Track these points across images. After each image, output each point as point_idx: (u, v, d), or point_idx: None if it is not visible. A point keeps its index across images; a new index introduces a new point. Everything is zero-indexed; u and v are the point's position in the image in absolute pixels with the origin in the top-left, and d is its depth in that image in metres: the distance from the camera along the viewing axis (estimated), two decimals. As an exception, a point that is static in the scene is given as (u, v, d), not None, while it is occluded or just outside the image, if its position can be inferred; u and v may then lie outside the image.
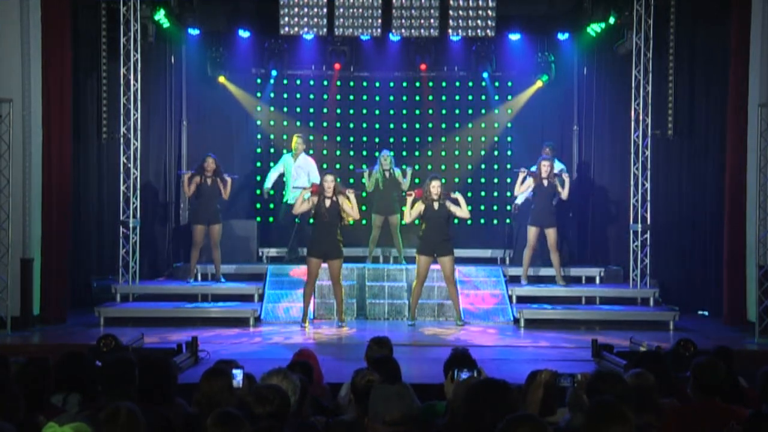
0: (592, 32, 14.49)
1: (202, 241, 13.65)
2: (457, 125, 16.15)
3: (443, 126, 16.10)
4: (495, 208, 16.02)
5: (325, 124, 16.06)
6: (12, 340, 11.32)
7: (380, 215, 14.32)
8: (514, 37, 15.16)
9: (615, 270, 14.56)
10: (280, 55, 15.17)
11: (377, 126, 16.04)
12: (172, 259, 15.05)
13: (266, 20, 14.63)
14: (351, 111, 16.12)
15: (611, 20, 14.01)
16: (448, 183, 15.75)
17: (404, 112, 16.10)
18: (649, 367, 5.66)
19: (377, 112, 16.06)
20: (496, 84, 15.99)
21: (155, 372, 5.29)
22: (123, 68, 13.35)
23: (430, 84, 16.00)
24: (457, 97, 16.11)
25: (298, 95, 16.10)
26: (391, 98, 15.99)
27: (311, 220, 12.86)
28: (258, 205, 15.78)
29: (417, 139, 16.13)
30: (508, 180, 15.74)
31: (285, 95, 16.03)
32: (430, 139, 16.12)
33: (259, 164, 15.99)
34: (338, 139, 16.10)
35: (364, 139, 16.04)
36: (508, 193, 15.40)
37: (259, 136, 16.01)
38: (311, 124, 16.08)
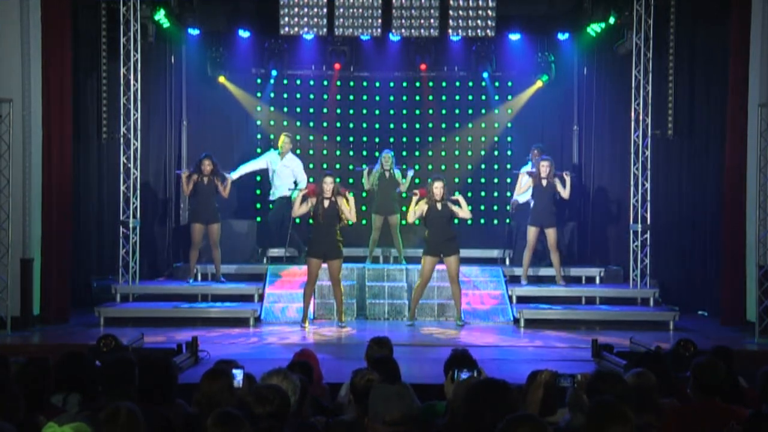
0: (592, 32, 14.49)
1: (201, 240, 13.64)
2: (457, 125, 16.15)
3: (443, 126, 16.10)
4: (495, 208, 16.02)
5: (325, 124, 16.06)
6: (12, 340, 11.32)
7: (380, 215, 14.32)
8: (514, 37, 15.16)
9: (615, 270, 14.56)
10: (280, 55, 15.17)
11: (377, 126, 16.04)
12: (172, 259, 15.05)
13: (266, 20, 14.64)
14: (351, 111, 16.12)
15: (611, 20, 14.01)
16: (449, 183, 15.69)
17: (404, 112, 16.10)
18: (649, 367, 5.66)
19: (377, 112, 16.06)
20: (496, 84, 15.99)
21: (155, 372, 5.29)
22: (123, 68, 13.35)
23: (430, 84, 16.00)
24: (457, 97, 16.11)
25: (298, 95, 16.10)
26: (391, 98, 15.99)
27: (311, 221, 12.85)
28: (258, 205, 15.77)
29: (417, 139, 16.13)
30: (509, 180, 15.74)
31: (285, 95, 16.03)
32: (430, 139, 16.12)
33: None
34: (338, 139, 16.10)
35: (364, 139, 16.04)
36: (508, 193, 15.40)
37: (259, 136, 16.00)
38: (311, 124, 16.08)
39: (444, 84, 16.06)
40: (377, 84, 16.00)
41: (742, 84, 12.54)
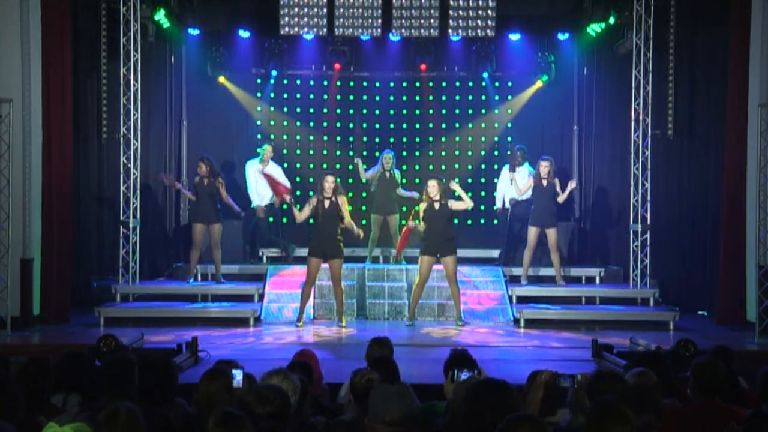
0: (592, 32, 14.49)
1: (202, 240, 13.63)
2: (457, 125, 16.15)
3: (443, 126, 16.09)
4: (495, 208, 16.00)
5: (325, 124, 16.06)
6: (12, 340, 11.33)
7: (379, 215, 14.32)
8: (514, 37, 15.16)
9: (615, 270, 14.56)
10: (280, 55, 15.17)
11: (377, 126, 16.04)
12: (172, 259, 15.05)
13: (266, 20, 14.64)
14: (351, 111, 16.12)
15: (611, 20, 14.01)
16: (448, 183, 15.76)
17: (404, 112, 16.09)
18: (649, 367, 5.65)
19: (377, 112, 16.05)
20: (496, 84, 15.99)
21: (155, 372, 5.28)
22: (123, 68, 13.35)
23: (430, 84, 16.00)
24: (457, 97, 16.11)
25: (298, 95, 16.09)
26: (391, 98, 15.98)
27: (311, 220, 12.87)
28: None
29: (417, 139, 16.12)
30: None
31: (285, 95, 16.03)
32: (430, 139, 16.12)
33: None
34: (338, 139, 16.10)
35: (364, 139, 16.04)
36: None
37: (259, 136, 15.99)
38: (311, 124, 16.08)
39: (444, 84, 16.06)
40: (377, 84, 16.00)
41: (742, 84, 12.54)
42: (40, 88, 12.26)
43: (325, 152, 16.05)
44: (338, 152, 16.09)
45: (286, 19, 13.99)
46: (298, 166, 16.00)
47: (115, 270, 13.70)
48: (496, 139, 16.15)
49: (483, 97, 16.04)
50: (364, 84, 15.99)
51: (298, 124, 16.04)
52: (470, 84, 15.99)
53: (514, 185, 14.28)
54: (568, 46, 15.48)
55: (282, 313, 12.95)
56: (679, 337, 10.17)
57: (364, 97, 16.02)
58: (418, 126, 16.14)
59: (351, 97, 16.07)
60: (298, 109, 16.09)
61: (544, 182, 13.53)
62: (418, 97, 16.09)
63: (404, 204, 14.13)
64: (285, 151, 15.97)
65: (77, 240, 13.60)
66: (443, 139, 16.11)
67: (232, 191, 14.24)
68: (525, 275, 13.86)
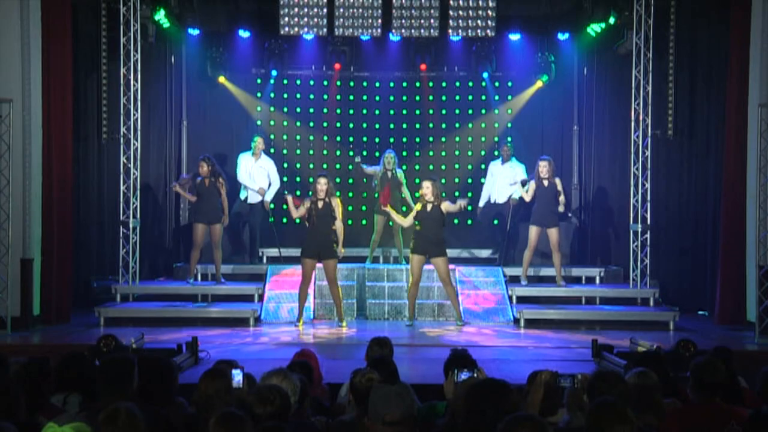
0: (592, 32, 14.49)
1: (203, 240, 13.61)
2: (457, 125, 16.14)
3: (443, 126, 16.09)
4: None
5: (325, 124, 16.06)
6: (12, 340, 11.33)
7: (381, 215, 14.31)
8: (514, 37, 15.16)
9: (615, 270, 14.57)
10: (280, 55, 15.17)
11: (377, 126, 16.04)
12: (172, 259, 15.05)
13: (266, 20, 14.64)
14: (351, 111, 16.11)
15: (611, 20, 14.01)
16: (448, 183, 15.80)
17: (404, 112, 16.09)
18: (649, 367, 5.65)
19: (377, 112, 16.05)
20: (496, 84, 15.99)
21: (155, 372, 5.29)
22: (123, 68, 13.35)
23: (430, 84, 16.00)
24: (457, 97, 16.10)
25: (298, 95, 16.09)
26: (391, 98, 15.98)
27: (297, 220, 12.88)
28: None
29: (417, 139, 16.12)
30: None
31: (285, 95, 16.03)
32: (430, 139, 16.11)
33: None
34: (338, 139, 16.10)
35: (364, 139, 16.03)
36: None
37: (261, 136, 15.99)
38: (311, 124, 16.08)
39: (444, 84, 16.05)
40: (377, 84, 15.99)
41: (742, 84, 12.55)
42: (40, 88, 12.26)
43: (325, 152, 16.05)
44: (338, 152, 16.09)
45: (286, 19, 14.00)
46: (298, 166, 16.00)
47: (115, 270, 13.70)
48: (496, 139, 16.14)
49: (483, 97, 16.04)
50: (364, 84, 15.99)
51: (298, 124, 16.04)
52: (470, 84, 15.99)
53: (495, 180, 14.31)
54: (568, 46, 15.48)
55: (282, 314, 12.96)
56: (679, 337, 10.16)
57: (364, 97, 16.02)
58: (418, 126, 16.14)
59: (351, 97, 16.07)
60: (298, 109, 16.08)
61: (545, 182, 13.52)
62: (418, 97, 16.08)
63: (404, 204, 14.13)
64: (285, 151, 15.98)
65: (77, 240, 13.61)
66: (443, 139, 16.10)
67: (232, 191, 14.25)
68: (525, 275, 13.85)
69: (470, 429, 4.38)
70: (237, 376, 5.24)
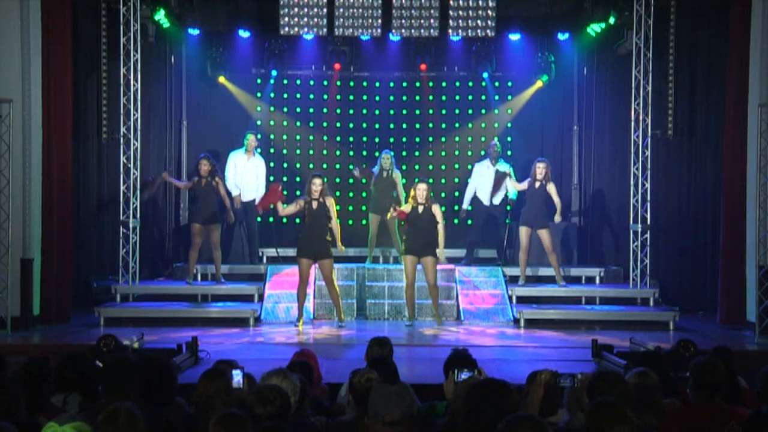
0: (592, 32, 14.49)
1: (201, 240, 13.58)
2: (457, 125, 16.14)
3: (443, 126, 16.08)
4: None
5: (325, 124, 16.05)
6: (12, 340, 11.33)
7: (377, 214, 14.31)
8: (514, 37, 15.15)
9: (615, 270, 14.56)
10: (280, 55, 15.16)
11: (377, 126, 16.03)
12: (172, 259, 15.05)
13: (266, 20, 14.64)
14: (351, 111, 16.11)
15: (611, 20, 14.01)
16: (448, 183, 15.80)
17: (404, 112, 16.08)
18: (649, 367, 5.65)
19: (377, 112, 16.04)
20: (496, 84, 15.98)
21: (155, 372, 5.29)
22: (123, 68, 13.35)
23: (430, 84, 15.99)
24: (457, 97, 16.10)
25: (298, 95, 16.08)
26: (391, 98, 15.98)
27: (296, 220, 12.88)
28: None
29: (417, 139, 16.11)
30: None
31: (285, 95, 16.02)
32: (430, 139, 16.10)
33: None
34: (338, 139, 16.09)
35: (364, 139, 16.03)
36: (508, 194, 15.29)
37: (259, 136, 15.97)
38: (311, 124, 16.08)
39: (444, 84, 16.04)
40: (377, 84, 15.99)
41: (742, 84, 12.55)
42: (40, 88, 12.26)
43: (325, 152, 16.04)
44: (338, 152, 16.08)
45: (286, 19, 13.99)
46: (298, 166, 15.99)
47: (115, 270, 13.70)
48: (495, 139, 16.12)
49: (483, 97, 16.03)
50: (364, 84, 15.98)
51: (298, 124, 16.03)
52: (470, 84, 15.98)
53: (486, 182, 14.32)
54: (568, 46, 15.47)
55: (282, 313, 12.95)
56: (679, 337, 10.17)
57: (364, 97, 16.01)
58: (418, 126, 16.13)
59: (351, 97, 16.06)
60: (298, 109, 16.08)
61: (537, 184, 13.51)
62: (418, 97, 16.08)
63: (400, 204, 14.15)
64: (285, 151, 15.98)
65: (77, 240, 13.61)
66: (443, 139, 16.09)
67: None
68: (523, 276, 13.81)
69: (470, 429, 4.38)
70: (237, 377, 5.24)
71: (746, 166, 12.49)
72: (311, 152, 16.10)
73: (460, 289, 13.39)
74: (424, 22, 14.06)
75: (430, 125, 16.09)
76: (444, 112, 16.10)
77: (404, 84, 16.01)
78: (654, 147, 13.69)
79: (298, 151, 16.07)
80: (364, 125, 16.02)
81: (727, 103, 12.95)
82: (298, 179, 15.88)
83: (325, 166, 15.77)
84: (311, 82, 16.08)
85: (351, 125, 16.08)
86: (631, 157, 13.60)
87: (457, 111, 16.13)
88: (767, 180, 11.76)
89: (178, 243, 15.39)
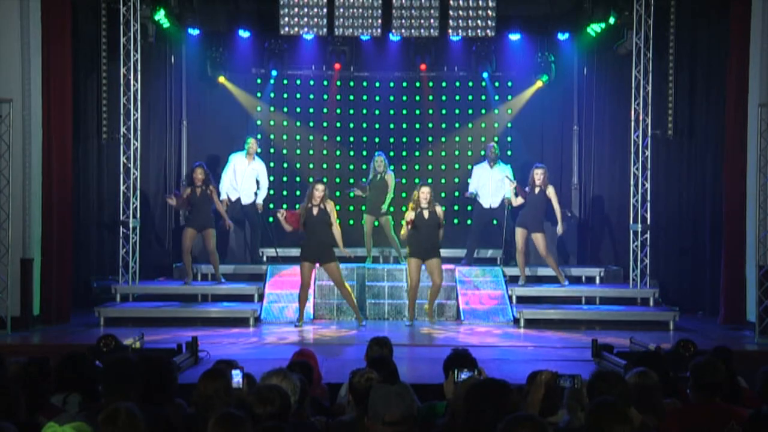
0: (592, 32, 14.49)
1: (191, 244, 13.49)
2: (457, 125, 16.13)
3: (443, 126, 16.07)
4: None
5: (325, 124, 16.05)
6: (12, 340, 11.33)
7: (371, 215, 14.34)
8: (514, 37, 15.15)
9: (615, 270, 14.56)
10: (280, 55, 15.16)
11: (377, 126, 16.03)
12: (172, 259, 15.04)
13: (266, 20, 14.64)
14: (351, 111, 16.10)
15: (611, 20, 14.01)
16: (448, 183, 15.79)
17: (404, 112, 16.08)
18: (649, 367, 5.65)
19: (377, 112, 16.04)
20: (496, 84, 15.98)
21: (155, 372, 5.29)
22: (123, 68, 13.35)
23: (430, 84, 15.98)
24: (457, 97, 16.09)
25: (298, 95, 16.08)
26: (391, 98, 15.97)
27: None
28: (260, 204, 15.72)
29: (417, 139, 16.11)
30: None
31: (285, 95, 16.01)
32: (430, 139, 16.09)
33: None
34: (338, 139, 16.08)
35: (364, 139, 16.02)
36: (506, 195, 15.26)
37: (259, 136, 15.95)
38: (311, 124, 16.07)
39: (444, 84, 16.04)
40: (377, 84, 15.99)
41: (742, 84, 12.56)
42: (40, 88, 12.26)
43: (325, 152, 16.03)
44: (338, 152, 16.07)
45: (286, 19, 13.99)
46: (298, 166, 16.00)
47: (115, 270, 13.70)
48: (495, 139, 16.11)
49: (483, 97, 16.02)
50: (364, 84, 15.98)
51: (298, 124, 16.03)
52: (470, 84, 15.98)
53: (485, 185, 14.32)
54: (568, 46, 15.47)
55: (282, 313, 12.96)
56: (679, 337, 10.17)
57: (364, 97, 16.01)
58: (418, 126, 16.12)
59: (351, 97, 16.06)
60: (298, 109, 16.07)
61: (536, 189, 13.51)
62: (418, 97, 16.07)
63: (393, 206, 14.17)
64: (285, 151, 15.97)
65: (77, 240, 13.61)
66: (443, 139, 16.09)
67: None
68: (523, 276, 13.80)
69: (470, 429, 4.38)
70: (237, 377, 5.24)
71: (746, 166, 12.49)
72: (311, 152, 16.10)
73: (460, 289, 13.39)
74: (424, 22, 14.06)
75: (430, 125, 16.08)
76: (444, 112, 16.10)
77: (404, 84, 16.01)
78: (654, 147, 13.69)
79: (298, 151, 16.06)
80: (364, 125, 16.02)
81: (727, 103, 12.95)
82: (298, 179, 15.90)
83: (325, 166, 15.77)
84: (311, 82, 16.07)
85: (351, 125, 16.08)
86: (631, 157, 13.60)
87: (457, 111, 16.13)
88: (767, 180, 11.76)
89: (178, 243, 15.30)
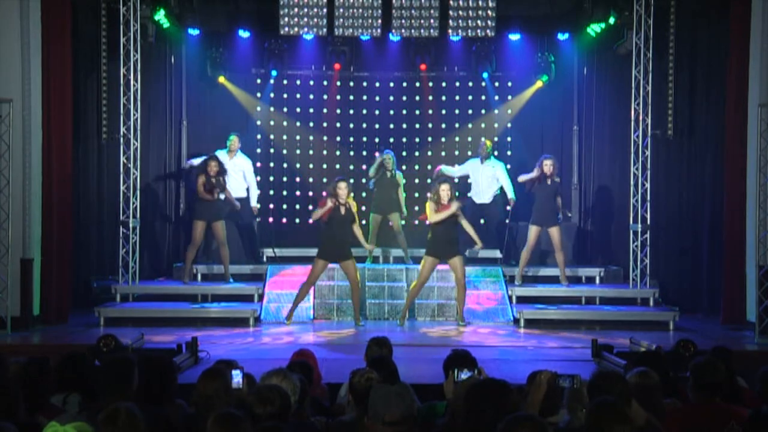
0: (592, 32, 14.49)
1: (202, 239, 13.55)
2: (457, 125, 16.13)
3: (443, 126, 16.08)
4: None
5: (325, 124, 16.05)
6: (12, 340, 11.33)
7: (379, 214, 14.33)
8: (514, 37, 15.15)
9: (615, 270, 14.56)
10: (280, 55, 15.17)
11: (377, 126, 16.03)
12: (172, 259, 15.04)
13: (266, 20, 14.63)
14: (351, 111, 16.11)
15: (611, 20, 14.01)
16: (448, 183, 15.75)
17: (404, 112, 16.08)
18: (649, 367, 5.66)
19: (377, 112, 16.04)
20: (496, 84, 15.98)
21: (155, 372, 5.29)
22: (123, 68, 13.35)
23: (430, 84, 15.99)
24: (457, 97, 16.09)
25: (298, 95, 16.08)
26: (391, 98, 15.98)
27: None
28: (257, 205, 15.73)
29: (417, 139, 16.11)
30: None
31: (285, 95, 16.01)
32: (430, 139, 16.10)
33: (259, 164, 15.96)
34: (338, 139, 16.09)
35: (364, 139, 16.03)
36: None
37: (259, 136, 16.00)
38: (311, 124, 16.08)
39: (444, 84, 16.04)
40: (377, 84, 15.99)
41: (742, 84, 12.55)
42: (40, 88, 12.26)
43: (325, 152, 16.04)
44: (338, 152, 16.07)
45: (286, 19, 13.99)
46: (298, 166, 16.00)
47: (115, 270, 13.70)
48: (495, 139, 16.13)
49: (483, 97, 16.02)
50: (364, 84, 15.98)
51: (298, 124, 16.03)
52: (470, 84, 15.98)
53: (477, 181, 14.34)
54: (568, 46, 15.47)
55: (282, 313, 12.94)
56: (679, 337, 10.17)
57: (364, 97, 16.01)
58: (418, 126, 16.13)
59: (351, 97, 16.07)
60: (298, 109, 16.07)
61: (548, 180, 13.50)
62: (418, 97, 16.08)
63: (405, 204, 14.16)
64: (285, 151, 15.97)
65: (77, 240, 13.61)
66: (443, 139, 16.09)
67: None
68: (520, 275, 13.80)
69: (470, 429, 4.38)
70: (237, 377, 5.24)
71: (746, 166, 12.49)
72: (311, 152, 16.10)
73: (466, 291, 13.37)
74: (424, 22, 14.06)
75: (430, 125, 16.09)
76: (444, 112, 16.10)
77: (404, 84, 16.01)
78: (654, 147, 13.69)
79: (298, 151, 16.06)
80: (364, 125, 16.02)
81: (727, 103, 12.95)
82: (298, 179, 15.89)
83: (325, 166, 15.77)
84: (311, 82, 16.08)
85: (351, 125, 16.08)
86: (631, 157, 13.60)
87: (457, 111, 16.13)
88: (767, 180, 11.76)
89: (178, 243, 15.35)
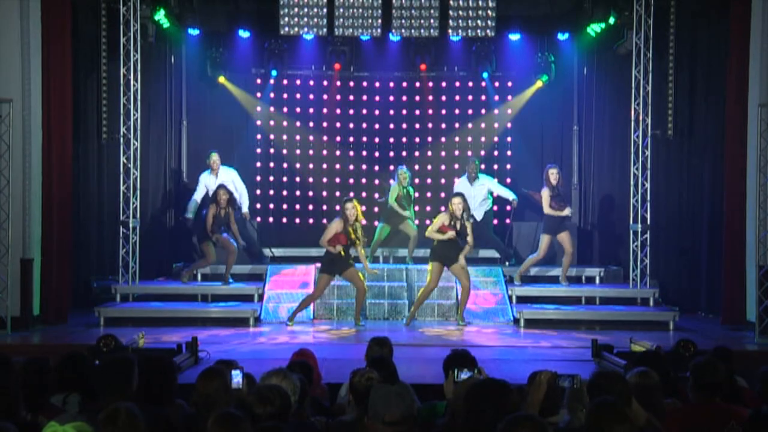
0: (592, 32, 14.49)
1: (215, 258, 13.51)
2: (457, 125, 16.13)
3: (443, 126, 16.08)
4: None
5: (325, 124, 16.05)
6: (12, 340, 11.33)
7: (388, 224, 14.38)
8: (514, 37, 15.16)
9: (615, 270, 14.56)
10: (280, 55, 15.17)
11: (377, 126, 16.02)
12: (173, 259, 15.04)
13: (266, 20, 14.63)
14: (351, 111, 16.10)
15: (611, 20, 14.01)
16: (448, 183, 15.77)
17: (404, 112, 16.08)
18: (649, 367, 5.65)
19: (377, 112, 16.04)
20: (496, 84, 15.97)
21: (155, 372, 5.28)
22: (123, 68, 13.35)
23: (430, 84, 15.99)
24: (457, 97, 16.09)
25: (298, 95, 16.08)
26: (391, 98, 15.97)
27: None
28: (258, 205, 15.75)
29: (417, 139, 16.11)
30: (508, 179, 15.70)
31: (285, 95, 16.01)
32: (430, 139, 16.10)
33: (259, 164, 15.97)
34: (338, 139, 16.09)
35: (364, 139, 16.02)
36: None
37: (259, 136, 16.00)
38: (311, 124, 16.07)
39: (444, 84, 16.04)
40: (377, 84, 15.99)
41: (742, 84, 12.55)
42: (40, 88, 12.27)
43: (325, 152, 16.03)
44: (338, 152, 16.07)
45: (286, 19, 14.00)
46: (298, 166, 16.00)
47: (115, 270, 13.70)
48: (495, 139, 16.14)
49: (483, 97, 16.02)
50: (364, 84, 15.98)
51: (298, 124, 16.03)
52: (470, 84, 15.98)
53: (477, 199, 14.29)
54: (568, 46, 15.47)
55: (282, 313, 12.95)
56: (679, 337, 10.17)
57: (364, 97, 16.01)
58: (418, 126, 16.12)
59: (351, 97, 16.06)
60: (298, 109, 16.07)
61: (557, 189, 13.60)
62: (418, 97, 16.07)
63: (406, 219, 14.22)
64: (285, 151, 15.97)
65: (77, 240, 13.62)
66: (443, 139, 16.09)
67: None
68: (519, 275, 13.81)
69: (470, 429, 4.38)
70: (237, 377, 5.23)
71: (746, 166, 12.48)
72: (311, 152, 16.09)
73: (461, 289, 13.38)
74: (424, 22, 14.06)
75: (430, 125, 16.09)
76: (444, 112, 16.10)
77: (404, 84, 16.01)
78: (654, 147, 13.70)
79: (298, 151, 16.06)
80: (364, 125, 16.02)
81: (727, 103, 12.95)
82: (298, 179, 15.89)
83: (324, 166, 15.76)
84: (311, 82, 16.07)
85: (351, 125, 16.08)
86: (631, 157, 13.60)
87: (457, 111, 16.12)
88: (767, 180, 11.76)
89: (178, 243, 15.33)
